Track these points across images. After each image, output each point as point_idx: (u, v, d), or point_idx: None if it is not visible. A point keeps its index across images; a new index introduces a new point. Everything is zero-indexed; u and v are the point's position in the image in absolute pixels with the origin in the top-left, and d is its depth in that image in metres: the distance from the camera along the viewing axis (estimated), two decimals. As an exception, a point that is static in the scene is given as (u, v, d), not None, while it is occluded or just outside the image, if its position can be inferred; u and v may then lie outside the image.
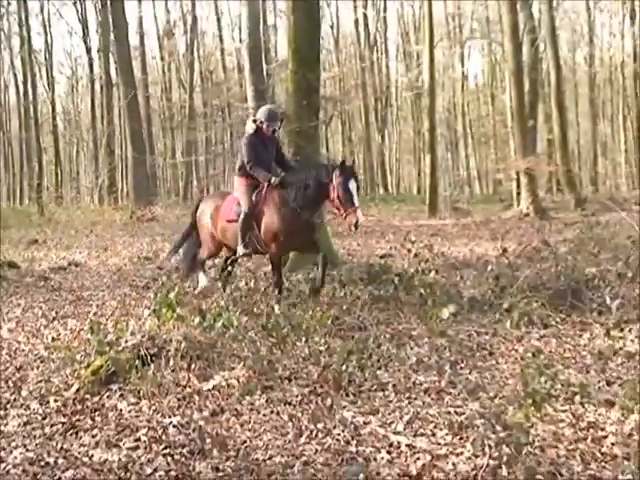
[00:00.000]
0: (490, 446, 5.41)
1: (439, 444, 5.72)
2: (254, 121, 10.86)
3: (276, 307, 9.97)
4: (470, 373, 7.56)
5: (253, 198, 10.59)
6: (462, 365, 7.84)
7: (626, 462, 5.18)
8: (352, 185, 9.85)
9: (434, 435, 5.92)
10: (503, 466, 5.13)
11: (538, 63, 38.40)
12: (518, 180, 28.80)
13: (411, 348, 8.43)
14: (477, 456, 5.38)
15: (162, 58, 62.51)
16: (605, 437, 5.76)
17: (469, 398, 6.68)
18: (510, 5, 27.21)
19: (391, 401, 6.77)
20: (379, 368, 7.70)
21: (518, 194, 28.95)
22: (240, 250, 10.68)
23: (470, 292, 10.99)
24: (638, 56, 48.99)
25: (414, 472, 5.23)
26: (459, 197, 41.25)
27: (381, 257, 15.83)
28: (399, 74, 63.14)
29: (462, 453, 5.50)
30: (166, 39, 61.18)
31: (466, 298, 10.56)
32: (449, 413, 6.32)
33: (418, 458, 5.48)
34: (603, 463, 5.30)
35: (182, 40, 60.75)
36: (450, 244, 18.41)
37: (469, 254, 16.55)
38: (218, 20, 60.01)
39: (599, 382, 7.18)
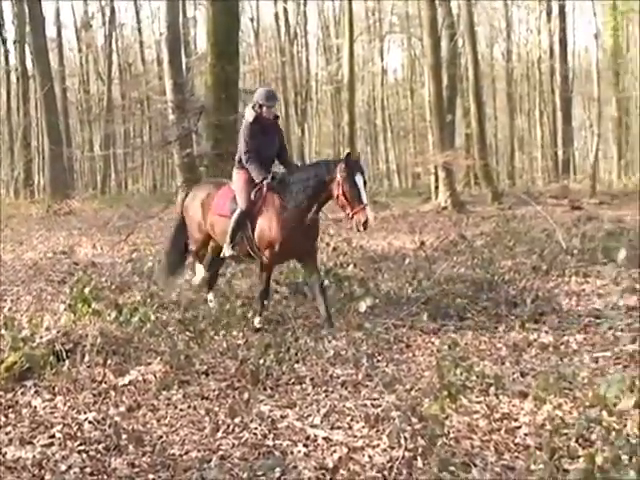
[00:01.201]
0: (405, 438, 5.47)
1: (355, 437, 5.75)
2: (253, 107, 9.62)
3: (256, 320, 9.19)
4: (387, 366, 7.62)
5: (252, 196, 9.41)
6: (379, 358, 7.90)
7: (538, 452, 5.25)
8: (359, 180, 8.80)
9: (351, 428, 5.95)
10: (418, 457, 5.18)
11: (457, 58, 38.85)
12: (436, 174, 29.06)
13: (329, 341, 8.44)
14: (393, 448, 5.42)
15: (80, 50, 61.67)
16: (518, 428, 5.85)
17: (386, 391, 6.74)
18: (429, 1, 27.38)
19: (308, 394, 6.79)
20: (297, 362, 7.71)
21: (436, 188, 29.22)
22: (226, 250, 9.63)
23: (388, 285, 11.08)
24: (554, 52, 49.68)
25: (330, 465, 5.24)
26: (378, 190, 41.51)
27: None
28: (319, 68, 63.19)
29: (378, 445, 5.53)
30: (84, 31, 60.30)
31: (384, 291, 10.65)
32: (365, 406, 6.36)
33: (335, 451, 5.50)
34: (516, 453, 5.38)
35: (100, 32, 60.07)
36: (369, 237, 18.45)
37: (387, 247, 16.61)
38: (137, 12, 59.52)
39: (514, 374, 7.28)
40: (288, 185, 9.28)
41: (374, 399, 6.55)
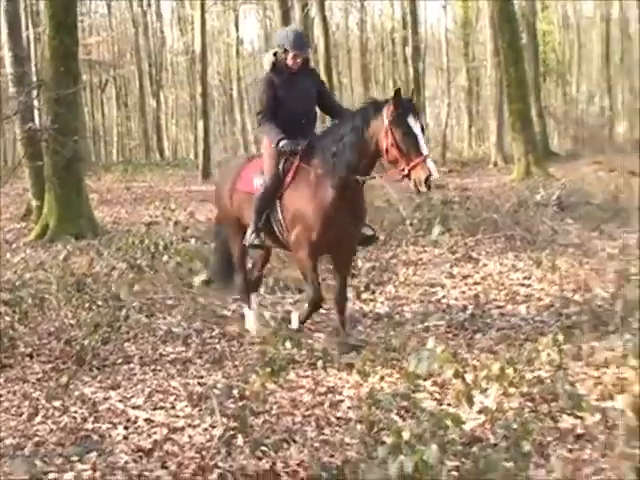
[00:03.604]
0: (227, 416, 5.38)
1: (178, 416, 5.64)
2: (275, 54, 7.49)
3: (294, 319, 7.49)
4: (219, 342, 7.51)
5: (280, 166, 7.34)
6: (212, 334, 7.77)
7: (359, 426, 5.24)
8: (414, 123, 6.68)
9: (174, 407, 5.84)
10: (239, 435, 5.09)
11: (310, 29, 38.79)
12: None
13: (164, 318, 8.29)
14: (214, 427, 5.32)
15: None
16: (341, 401, 5.86)
17: (213, 368, 6.64)
18: (279, -29, 27.27)
19: (135, 374, 6.65)
20: (127, 340, 7.52)
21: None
22: (249, 237, 7.46)
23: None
24: (407, 23, 50.18)
25: (148, 447, 5.11)
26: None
27: (147, 225, 15.49)
28: (174, 39, 62.24)
29: (199, 425, 5.43)
30: None
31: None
32: (190, 384, 6.24)
33: (155, 432, 5.37)
34: (337, 427, 5.36)
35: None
36: (218, 210, 18.29)
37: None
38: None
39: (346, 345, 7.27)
40: (322, 148, 7.16)
41: (201, 377, 6.47)
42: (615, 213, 14.20)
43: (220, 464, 4.73)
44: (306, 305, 7.44)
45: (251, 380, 6.06)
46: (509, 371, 5.77)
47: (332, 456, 4.82)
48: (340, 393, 6.03)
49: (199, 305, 8.60)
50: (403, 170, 6.67)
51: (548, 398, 5.46)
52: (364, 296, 9.02)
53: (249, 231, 7.44)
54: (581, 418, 5.14)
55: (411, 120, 6.65)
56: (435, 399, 5.75)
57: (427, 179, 6.51)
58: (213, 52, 54.46)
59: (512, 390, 5.63)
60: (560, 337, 6.35)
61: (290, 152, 7.20)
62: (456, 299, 8.92)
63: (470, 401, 5.28)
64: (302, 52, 7.40)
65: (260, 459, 4.77)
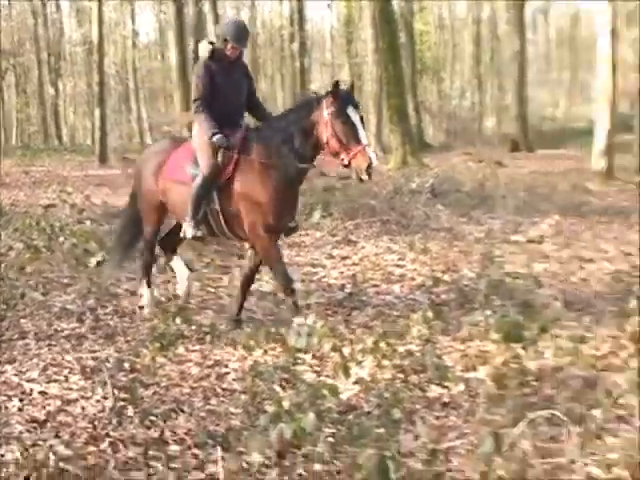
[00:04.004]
0: (119, 388, 5.31)
1: (71, 389, 5.53)
2: (211, 43, 7.16)
3: (305, 319, 6.17)
4: (112, 319, 7.39)
5: (219, 157, 6.86)
6: (106, 311, 7.64)
7: (242, 396, 5.25)
8: (353, 114, 6.45)
9: (67, 380, 5.71)
10: (129, 406, 5.03)
11: (202, 24, 38.44)
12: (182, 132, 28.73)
13: (59, 296, 8.10)
14: (106, 398, 5.24)
15: None
16: (227, 374, 5.86)
17: (106, 343, 6.54)
18: (173, -32, 26.92)
19: (30, 349, 6.45)
20: (23, 317, 7.32)
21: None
22: (188, 230, 7.00)
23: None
24: (294, 20, 50.17)
25: (42, 418, 5.00)
26: (129, 148, 40.69)
27: (44, 207, 15.08)
28: (72, 30, 60.82)
29: (92, 396, 5.34)
30: None
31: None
32: (83, 359, 6.12)
33: (49, 404, 5.25)
34: (222, 398, 5.36)
35: None
36: (114, 193, 18.00)
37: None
38: None
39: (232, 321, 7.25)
40: (266, 139, 6.88)
41: (94, 351, 6.34)
42: (482, 200, 14.55)
43: (111, 433, 4.67)
44: (289, 297, 6.88)
45: (142, 354, 6.04)
46: (382, 345, 5.87)
47: (217, 425, 4.82)
48: (226, 366, 6.02)
49: (93, 284, 8.44)
50: (343, 160, 6.46)
51: (418, 369, 5.56)
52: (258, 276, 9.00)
53: (188, 223, 6.98)
54: (447, 387, 5.27)
55: (350, 111, 6.45)
56: (314, 371, 5.79)
57: (368, 167, 6.35)
58: (110, 43, 53.36)
59: (385, 362, 5.71)
60: (430, 314, 6.48)
61: (222, 146, 6.82)
62: (335, 279, 8.99)
63: (347, 372, 5.34)
64: (242, 45, 7.09)
65: (149, 428, 4.73)
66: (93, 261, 9.11)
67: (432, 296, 8.05)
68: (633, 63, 22.11)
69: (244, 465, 4.14)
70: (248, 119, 7.48)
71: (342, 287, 8.52)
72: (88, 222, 12.19)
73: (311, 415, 4.12)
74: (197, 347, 6.45)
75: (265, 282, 8.64)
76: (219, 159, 6.86)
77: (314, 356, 6.02)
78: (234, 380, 5.70)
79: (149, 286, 7.78)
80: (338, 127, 6.41)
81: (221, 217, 6.95)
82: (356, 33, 48.47)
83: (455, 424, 4.66)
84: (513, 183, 17.86)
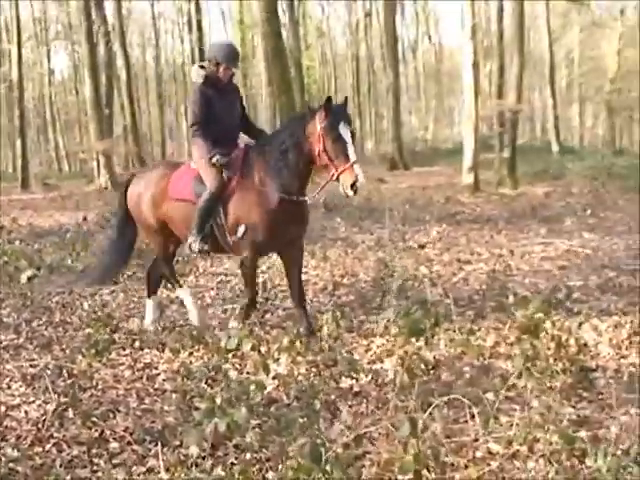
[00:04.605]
0: (59, 392, 5.11)
1: (13, 395, 5.28)
2: (201, 67, 6.61)
3: (233, 325, 6.37)
4: (46, 329, 7.12)
5: (224, 174, 6.32)
6: (40, 322, 7.35)
7: (174, 395, 5.12)
8: (344, 130, 5.92)
9: (9, 388, 5.45)
10: (69, 409, 4.84)
11: (113, 61, 37.88)
12: (98, 159, 28.10)
13: (-5, 310, 7.78)
14: (47, 402, 5.03)
15: None
16: (158, 375, 5.69)
17: (43, 352, 6.29)
18: (86, 13, 26.37)
19: (-29, 360, 6.16)
20: (-40, 331, 6.99)
21: (98, 171, 28.33)
22: (194, 244, 6.44)
23: (51, 257, 10.43)
24: (195, 58, 49.91)
25: (-12, 423, 4.77)
26: (48, 174, 39.81)
27: (-26, 230, 14.49)
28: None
29: (34, 401, 5.12)
30: None
31: (47, 262, 10.01)
32: (23, 367, 5.87)
33: (-7, 410, 5.01)
34: (155, 397, 5.20)
35: None
36: (38, 215, 17.47)
37: (54, 223, 15.74)
38: None
39: (157, 328, 7.08)
40: (264, 154, 6.35)
41: (32, 360, 6.07)
42: (370, 212, 14.67)
43: (55, 434, 4.50)
44: (244, 304, 6.55)
45: (78, 360, 5.82)
46: (297, 343, 5.81)
47: (153, 422, 4.67)
48: (156, 368, 5.85)
49: (27, 298, 8.14)
50: (333, 175, 5.95)
51: (330, 364, 5.51)
52: (169, 285, 8.81)
53: (193, 238, 6.42)
54: (356, 379, 5.23)
55: (342, 127, 5.91)
56: (236, 369, 5.69)
57: (353, 184, 5.82)
58: (28, 80, 51.99)
59: (300, 359, 5.66)
60: (338, 313, 6.45)
61: (223, 165, 6.31)
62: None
63: (266, 369, 5.25)
64: (234, 65, 6.56)
65: (90, 428, 4.56)
66: (24, 277, 8.79)
67: (334, 298, 8.02)
68: (489, 92, 22.71)
69: (181, 458, 4.04)
70: (243, 138, 6.92)
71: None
72: (17, 242, 11.78)
73: (243, 409, 4.04)
74: (127, 352, 6.25)
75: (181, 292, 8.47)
76: (225, 176, 6.32)
77: (235, 355, 5.91)
78: (164, 380, 5.54)
79: (151, 296, 7.22)
80: (329, 142, 5.91)
81: (227, 231, 6.37)
82: (251, 68, 48.63)
83: (367, 411, 4.64)
84: (395, 197, 18.09)
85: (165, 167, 7.11)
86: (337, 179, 5.93)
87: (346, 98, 6.23)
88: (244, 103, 6.94)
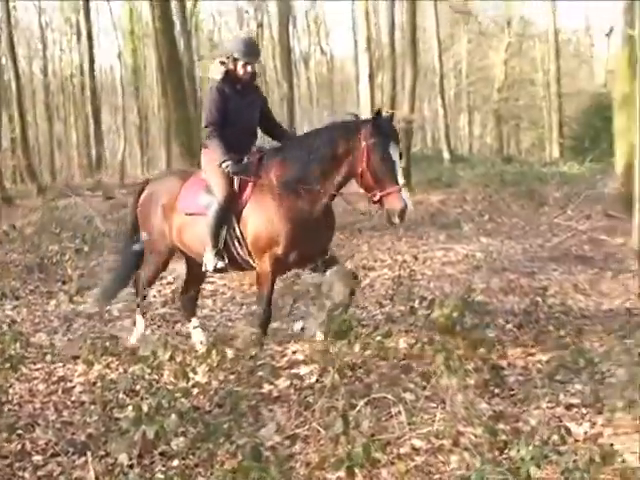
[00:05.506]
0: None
1: None
2: (222, 63, 6.04)
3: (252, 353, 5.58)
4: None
5: (235, 183, 5.86)
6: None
7: (92, 406, 5.10)
8: (394, 150, 5.41)
9: None
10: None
11: (1, 74, 36.94)
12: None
13: None
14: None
15: None
16: (73, 387, 5.67)
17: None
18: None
19: None
20: None
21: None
22: (209, 261, 5.95)
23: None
24: (84, 69, 49.05)
25: None
26: None
27: None
28: None
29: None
30: None
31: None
32: None
33: None
34: (73, 409, 5.18)
35: None
36: None
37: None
38: None
39: (67, 341, 7.02)
40: (287, 161, 5.80)
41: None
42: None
43: (-24, 450, 4.43)
44: (258, 329, 5.95)
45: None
46: (214, 351, 5.84)
47: (74, 434, 4.66)
48: (71, 380, 5.83)
49: None
50: (374, 196, 5.46)
51: (248, 370, 5.58)
52: (75, 299, 8.72)
53: (209, 255, 5.92)
54: (275, 384, 5.32)
55: (392, 147, 5.43)
56: (154, 379, 5.69)
57: (402, 211, 5.37)
58: None
59: (217, 366, 5.70)
60: (255, 321, 6.50)
61: (234, 173, 5.84)
62: (154, 297, 8.84)
63: (185, 377, 5.28)
64: (253, 59, 6.03)
65: (11, 442, 4.51)
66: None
67: (244, 307, 8.09)
68: (382, 102, 23.15)
69: (109, 467, 4.05)
70: (261, 140, 6.52)
71: (163, 304, 8.41)
72: None
73: (173, 416, 4.09)
74: (40, 366, 6.20)
75: (87, 304, 8.40)
76: (235, 184, 5.87)
77: (150, 365, 5.90)
78: (81, 393, 5.52)
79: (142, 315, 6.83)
80: (376, 162, 5.39)
81: (243, 243, 5.89)
82: (143, 80, 48.14)
83: (290, 414, 4.74)
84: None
85: (176, 178, 6.54)
86: (379, 201, 5.49)
87: (392, 114, 5.80)
88: (267, 103, 6.46)
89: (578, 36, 50.08)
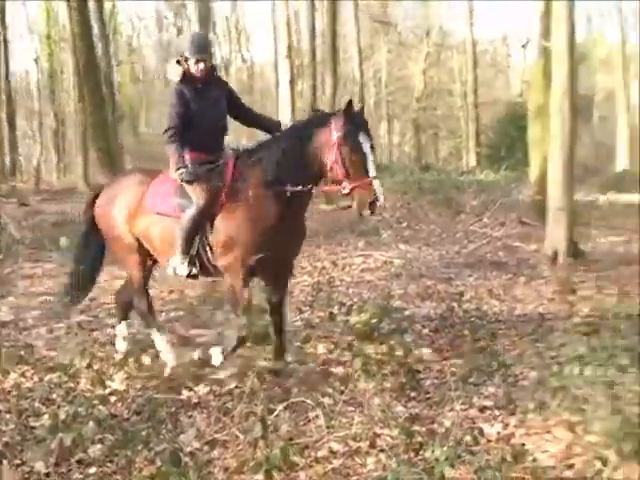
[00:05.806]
0: None
1: None
2: (178, 62, 5.73)
3: (217, 359, 5.51)
4: None
5: (213, 186, 5.53)
6: None
7: (8, 415, 4.99)
8: (364, 141, 5.14)
9: None
10: None
11: None
12: None
13: None
14: None
15: None
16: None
17: None
18: None
19: None
20: None
21: None
22: (180, 267, 5.63)
23: None
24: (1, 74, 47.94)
25: None
26: None
27: None
28: None
29: None
30: None
31: None
32: None
33: None
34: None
35: None
36: None
37: None
38: None
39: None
40: (263, 162, 5.47)
41: None
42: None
43: None
44: (232, 339, 5.58)
45: None
46: (130, 360, 5.80)
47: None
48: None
49: None
50: (345, 188, 5.15)
51: (165, 377, 5.58)
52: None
53: (179, 260, 5.60)
54: (194, 391, 5.32)
55: (362, 136, 5.15)
56: (70, 387, 5.62)
57: (373, 203, 5.10)
58: None
59: (134, 374, 5.67)
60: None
61: (188, 181, 5.51)
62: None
63: (102, 385, 5.25)
64: (201, 54, 5.65)
65: None
66: None
67: (163, 314, 8.03)
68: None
69: (25, 475, 4.00)
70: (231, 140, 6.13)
71: (81, 311, 8.27)
72: None
73: (91, 423, 4.07)
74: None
75: (3, 312, 8.22)
76: (214, 189, 5.53)
77: (66, 373, 5.82)
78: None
79: (151, 327, 6.32)
80: (346, 153, 5.12)
81: (214, 250, 5.59)
82: (60, 84, 47.25)
83: (210, 419, 4.74)
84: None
85: (141, 176, 6.16)
86: (349, 194, 5.20)
87: (362, 106, 5.58)
88: (236, 96, 6.07)
89: (495, 45, 51.17)
